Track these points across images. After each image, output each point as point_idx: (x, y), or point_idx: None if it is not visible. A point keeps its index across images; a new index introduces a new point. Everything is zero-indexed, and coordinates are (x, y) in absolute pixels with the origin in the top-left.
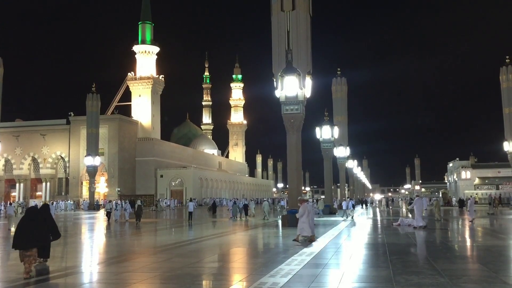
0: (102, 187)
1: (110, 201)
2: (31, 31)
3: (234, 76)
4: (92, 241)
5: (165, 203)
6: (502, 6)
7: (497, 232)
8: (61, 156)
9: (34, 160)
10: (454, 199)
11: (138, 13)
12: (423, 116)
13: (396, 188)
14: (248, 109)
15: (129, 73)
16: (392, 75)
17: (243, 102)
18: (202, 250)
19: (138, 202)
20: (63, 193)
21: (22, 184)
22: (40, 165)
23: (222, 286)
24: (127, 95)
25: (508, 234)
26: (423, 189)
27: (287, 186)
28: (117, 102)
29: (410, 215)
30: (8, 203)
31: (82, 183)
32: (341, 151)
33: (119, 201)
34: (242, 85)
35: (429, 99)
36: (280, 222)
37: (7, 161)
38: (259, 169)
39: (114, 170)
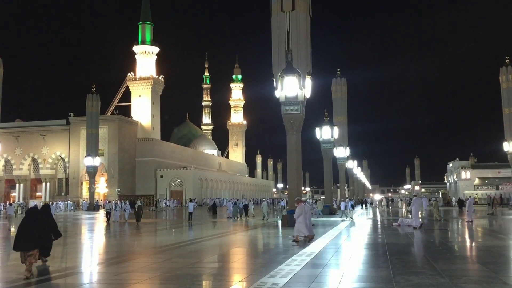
0: (102, 188)
1: (109, 202)
2: (31, 31)
3: (234, 76)
4: (92, 241)
5: (165, 203)
6: (502, 6)
7: (496, 232)
8: (61, 157)
9: (34, 160)
10: (454, 199)
11: (138, 13)
12: (423, 116)
13: (396, 189)
14: (248, 110)
15: (129, 74)
16: (392, 75)
17: (243, 102)
18: (202, 251)
19: (138, 203)
20: (63, 194)
21: (22, 185)
22: (40, 166)
23: (222, 286)
24: (127, 96)
25: (507, 234)
26: (423, 189)
27: (287, 186)
28: (117, 103)
29: (410, 215)
30: (8, 203)
31: (82, 184)
32: (341, 152)
33: (118, 202)
34: (242, 85)
35: (429, 99)
36: (280, 222)
37: (7, 162)
38: (259, 169)
39: (114, 171)
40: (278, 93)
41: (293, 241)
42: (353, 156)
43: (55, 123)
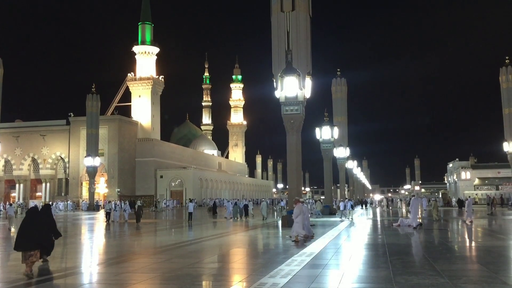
0: (102, 188)
1: (109, 202)
2: (31, 31)
3: (234, 76)
4: (92, 241)
5: (164, 203)
6: (502, 6)
7: (495, 233)
8: (61, 157)
9: (34, 160)
10: (454, 200)
11: (138, 13)
12: (423, 116)
13: (396, 189)
14: (248, 110)
15: (129, 74)
16: (392, 75)
17: (243, 102)
18: (202, 251)
19: (138, 203)
20: (63, 194)
21: (22, 185)
22: (40, 166)
23: (222, 286)
24: (127, 96)
25: (507, 234)
26: (423, 190)
27: (287, 186)
28: (117, 103)
29: (410, 216)
30: (8, 203)
31: (82, 184)
32: (341, 152)
33: (118, 202)
34: (242, 85)
35: (429, 99)
36: (280, 222)
37: (7, 162)
38: (259, 169)
39: (114, 171)
40: (278, 93)
41: (292, 241)
42: (353, 156)
43: (55, 123)
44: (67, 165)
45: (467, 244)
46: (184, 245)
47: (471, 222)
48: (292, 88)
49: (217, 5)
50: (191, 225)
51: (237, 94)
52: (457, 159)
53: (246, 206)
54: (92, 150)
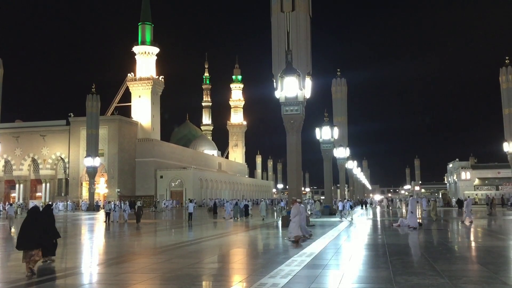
0: (102, 188)
1: (109, 202)
2: (31, 31)
3: (234, 76)
4: (92, 242)
5: (164, 203)
6: (502, 6)
7: (495, 233)
8: (61, 157)
9: (34, 161)
10: (454, 200)
11: (138, 13)
12: (423, 116)
13: (396, 189)
14: (248, 110)
15: (129, 74)
16: (392, 75)
17: (243, 103)
18: (202, 251)
19: (138, 203)
20: (63, 194)
21: (22, 185)
22: (40, 166)
23: (222, 287)
24: (127, 96)
25: (507, 234)
26: (423, 190)
27: (287, 187)
28: (117, 103)
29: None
30: (9, 203)
31: (82, 184)
32: (341, 152)
33: (117, 202)
34: (242, 85)
35: (429, 99)
36: (279, 222)
37: (7, 162)
38: (259, 170)
39: (114, 171)
40: (278, 94)
41: (291, 241)
42: (353, 156)
43: (55, 124)
44: (67, 165)
45: (467, 244)
46: (184, 245)
47: (471, 222)
48: (292, 88)
49: (217, 5)
50: (191, 225)
51: (237, 94)
52: (457, 159)
53: (246, 206)
54: (92, 150)
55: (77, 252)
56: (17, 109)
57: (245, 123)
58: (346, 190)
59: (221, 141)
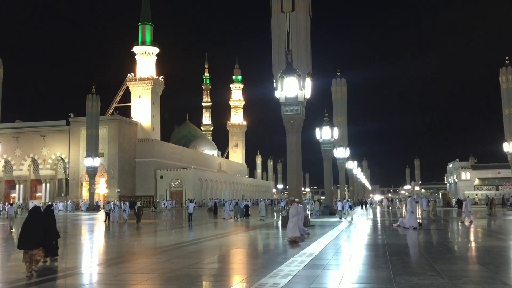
0: (102, 188)
1: (108, 202)
2: (31, 31)
3: (234, 77)
4: (92, 242)
5: (163, 204)
6: (502, 6)
7: (494, 233)
8: (61, 157)
9: (34, 161)
10: (454, 200)
11: (138, 14)
12: (423, 116)
13: (396, 189)
14: (248, 110)
15: (129, 74)
16: (392, 75)
17: (243, 103)
18: (202, 251)
19: (138, 204)
20: (63, 194)
21: (22, 185)
22: (40, 166)
23: (222, 287)
24: (127, 96)
25: (507, 235)
26: (423, 190)
27: (287, 187)
28: (117, 103)
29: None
30: (9, 203)
31: (82, 184)
32: (341, 152)
33: (117, 202)
34: (242, 86)
35: (429, 99)
36: (279, 223)
37: (7, 162)
38: (259, 170)
39: (114, 171)
40: (278, 94)
41: (292, 241)
42: (353, 156)
43: (55, 124)
44: (67, 165)
45: (467, 244)
46: (184, 245)
47: (470, 222)
48: (292, 88)
49: (217, 5)
50: (191, 225)
51: (237, 94)
52: (457, 160)
53: (247, 207)
54: (92, 150)
55: (77, 252)
56: (17, 109)
57: (245, 123)
58: (346, 190)
59: (221, 141)
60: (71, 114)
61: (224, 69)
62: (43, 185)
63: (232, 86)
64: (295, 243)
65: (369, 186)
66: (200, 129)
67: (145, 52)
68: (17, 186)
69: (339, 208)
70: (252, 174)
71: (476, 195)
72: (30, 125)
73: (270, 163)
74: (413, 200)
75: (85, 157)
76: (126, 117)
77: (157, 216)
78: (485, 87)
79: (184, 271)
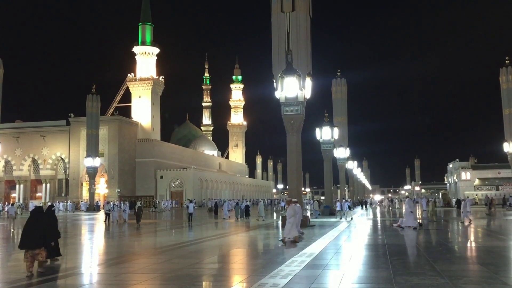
0: (102, 188)
1: (108, 202)
2: (31, 31)
3: (234, 77)
4: (92, 242)
5: (163, 204)
6: (502, 6)
7: (494, 233)
8: (61, 157)
9: (34, 161)
10: (454, 200)
11: (138, 14)
12: (423, 116)
13: (396, 189)
14: (248, 110)
15: (129, 74)
16: (392, 75)
17: (243, 103)
18: (202, 251)
19: (138, 204)
20: (63, 194)
21: (22, 185)
22: (40, 166)
23: (222, 287)
24: (127, 96)
25: (506, 235)
26: (423, 190)
27: (287, 187)
28: (117, 103)
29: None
30: (10, 203)
31: (82, 184)
32: (341, 152)
33: (116, 202)
34: (242, 86)
35: (429, 99)
36: (280, 223)
37: (7, 162)
38: (259, 170)
39: (114, 171)
40: (278, 94)
41: (292, 241)
42: (353, 156)
43: (55, 124)
44: (67, 165)
45: (467, 244)
46: (184, 245)
47: (470, 222)
48: (292, 88)
49: (217, 5)
50: (191, 225)
51: (237, 94)
52: (457, 160)
53: (247, 207)
54: (92, 150)
55: (77, 252)
56: (17, 109)
57: (245, 123)
58: (346, 190)
59: (221, 141)
60: (71, 114)
61: (224, 69)
62: (43, 185)
63: (232, 86)
64: (295, 243)
65: (369, 186)
66: (200, 129)
67: (145, 52)
68: (17, 186)
69: (338, 208)
70: (252, 174)
71: (476, 195)
72: (30, 125)
73: (270, 163)
74: (411, 200)
75: (85, 157)
76: (126, 117)
77: (157, 216)
78: (485, 87)
79: (184, 271)
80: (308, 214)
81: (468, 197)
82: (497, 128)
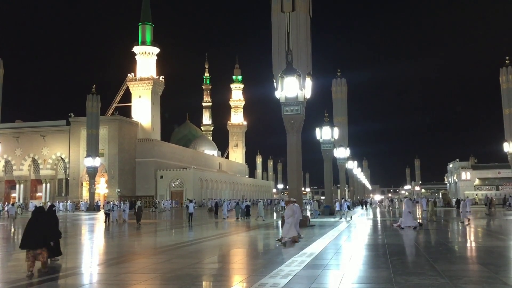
0: (102, 188)
1: (108, 202)
2: (31, 31)
3: (234, 77)
4: (92, 242)
5: (163, 204)
6: (502, 6)
7: (494, 233)
8: (61, 157)
9: (34, 161)
10: (454, 200)
11: (138, 14)
12: (423, 116)
13: (396, 189)
14: (248, 110)
15: (129, 74)
16: (392, 75)
17: (243, 103)
18: (202, 251)
19: (138, 203)
20: (63, 194)
21: (22, 185)
22: (40, 166)
23: (222, 287)
24: (127, 96)
25: (506, 235)
26: (423, 190)
27: (287, 187)
28: (117, 103)
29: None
30: (10, 203)
31: (82, 184)
32: (341, 152)
33: (116, 202)
34: (242, 86)
35: (429, 99)
36: (280, 223)
37: (7, 162)
38: (259, 170)
39: (114, 171)
40: (278, 94)
41: (292, 242)
42: (353, 156)
43: (55, 124)
44: (67, 165)
45: (467, 244)
46: (184, 245)
47: (469, 221)
48: (292, 88)
49: (217, 5)
50: (191, 225)
51: (237, 94)
52: (457, 160)
53: (248, 207)
54: (92, 150)
55: (77, 252)
56: (17, 109)
57: (245, 123)
58: (346, 190)
59: (221, 141)
60: (71, 114)
61: (224, 69)
62: (43, 185)
63: (232, 86)
64: (294, 242)
65: (369, 186)
66: (200, 129)
67: (145, 52)
68: (17, 186)
69: (337, 208)
70: (252, 174)
71: (476, 195)
72: (30, 125)
73: (270, 163)
74: (409, 200)
75: (85, 157)
76: (126, 117)
77: (157, 216)
78: (485, 87)
79: (184, 271)
80: (308, 214)
81: (467, 197)
82: (497, 128)
